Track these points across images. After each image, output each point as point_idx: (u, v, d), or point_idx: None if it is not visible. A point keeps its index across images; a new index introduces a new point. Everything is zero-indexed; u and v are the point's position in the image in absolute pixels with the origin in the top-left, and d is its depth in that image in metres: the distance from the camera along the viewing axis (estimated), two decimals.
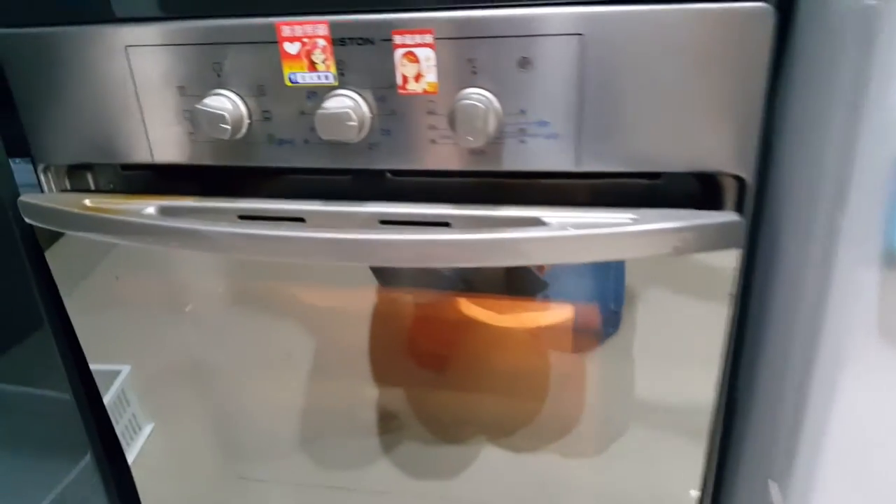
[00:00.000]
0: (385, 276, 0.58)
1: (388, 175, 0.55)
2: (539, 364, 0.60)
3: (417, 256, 0.50)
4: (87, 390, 0.71)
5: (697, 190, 0.51)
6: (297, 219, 0.54)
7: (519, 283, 0.56)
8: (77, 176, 0.62)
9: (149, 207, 0.56)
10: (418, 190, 0.55)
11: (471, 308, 0.58)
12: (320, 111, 0.49)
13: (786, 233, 0.48)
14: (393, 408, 0.66)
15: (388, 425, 0.67)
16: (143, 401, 0.73)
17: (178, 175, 0.59)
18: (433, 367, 0.64)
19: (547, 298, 0.56)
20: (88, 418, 0.72)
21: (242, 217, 0.55)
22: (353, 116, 0.48)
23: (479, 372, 0.62)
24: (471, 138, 0.47)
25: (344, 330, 0.62)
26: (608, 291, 0.55)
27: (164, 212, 0.56)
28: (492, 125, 0.48)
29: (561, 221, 0.48)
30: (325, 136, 0.49)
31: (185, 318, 0.65)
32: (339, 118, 0.48)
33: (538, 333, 0.59)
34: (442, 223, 0.51)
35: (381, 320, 0.61)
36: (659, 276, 0.53)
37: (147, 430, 0.75)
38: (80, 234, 0.58)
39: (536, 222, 0.49)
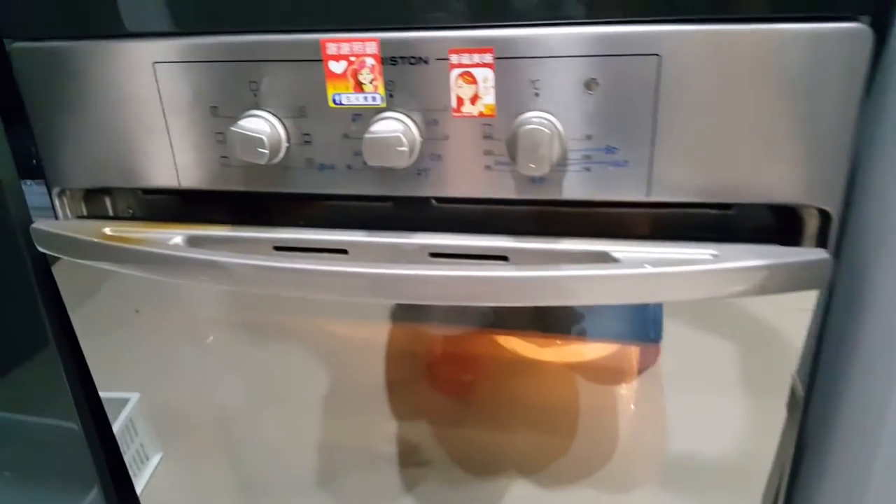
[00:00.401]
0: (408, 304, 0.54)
1: (434, 202, 0.52)
2: (575, 396, 0.56)
3: (475, 294, 0.46)
4: (94, 419, 0.68)
5: (772, 222, 0.48)
6: (339, 250, 0.50)
7: (554, 313, 0.53)
8: (93, 200, 0.58)
9: (176, 237, 0.52)
10: (466, 218, 0.51)
11: (510, 341, 0.55)
12: (368, 135, 0.45)
13: (879, 272, 0.44)
14: (419, 443, 0.62)
15: (413, 461, 0.63)
16: (150, 430, 0.70)
17: (205, 200, 0.55)
18: (464, 400, 0.60)
19: (584, 330, 0.53)
20: (97, 449, 0.69)
21: (278, 248, 0.51)
22: (404, 141, 0.44)
23: (511, 405, 0.59)
24: (533, 166, 0.44)
25: (367, 363, 0.58)
26: (647, 321, 0.52)
27: (193, 242, 0.52)
28: (556, 152, 0.44)
29: (633, 257, 0.44)
30: (371, 162, 0.45)
31: (200, 347, 0.61)
32: (389, 143, 0.45)
33: (578, 366, 0.55)
34: (499, 256, 0.48)
35: (410, 354, 0.57)
36: (702, 307, 0.49)
37: (155, 459, 0.72)
38: (100, 264, 0.53)
39: (605, 258, 0.45)
